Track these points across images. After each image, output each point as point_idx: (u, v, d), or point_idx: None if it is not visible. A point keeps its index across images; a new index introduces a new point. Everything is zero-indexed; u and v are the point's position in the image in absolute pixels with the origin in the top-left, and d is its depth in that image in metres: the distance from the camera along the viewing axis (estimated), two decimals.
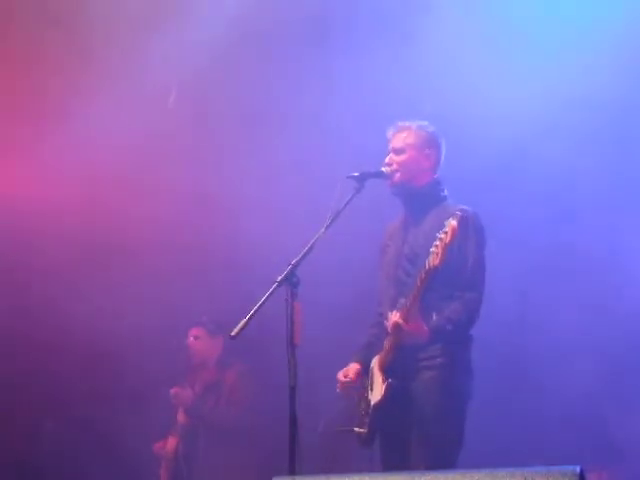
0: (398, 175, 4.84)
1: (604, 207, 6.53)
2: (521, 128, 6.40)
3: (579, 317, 6.46)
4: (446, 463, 4.49)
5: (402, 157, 4.85)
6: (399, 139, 4.88)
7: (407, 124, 4.90)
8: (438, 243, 4.37)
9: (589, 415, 6.51)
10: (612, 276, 6.54)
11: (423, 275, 4.46)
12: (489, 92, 6.41)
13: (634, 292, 6.41)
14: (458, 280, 4.65)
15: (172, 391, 6.90)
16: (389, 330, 4.64)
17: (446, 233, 4.36)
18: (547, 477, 3.24)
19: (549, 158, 6.44)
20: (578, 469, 3.24)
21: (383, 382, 4.65)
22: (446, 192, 4.89)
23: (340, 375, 4.92)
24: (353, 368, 4.90)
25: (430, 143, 4.90)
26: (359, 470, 4.10)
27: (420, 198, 4.85)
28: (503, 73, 6.42)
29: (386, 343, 4.69)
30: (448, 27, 6.44)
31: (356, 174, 4.73)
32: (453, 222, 4.37)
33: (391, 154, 4.88)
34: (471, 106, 6.45)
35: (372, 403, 4.71)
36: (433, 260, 4.38)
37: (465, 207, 4.64)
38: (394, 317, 4.57)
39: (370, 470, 4.66)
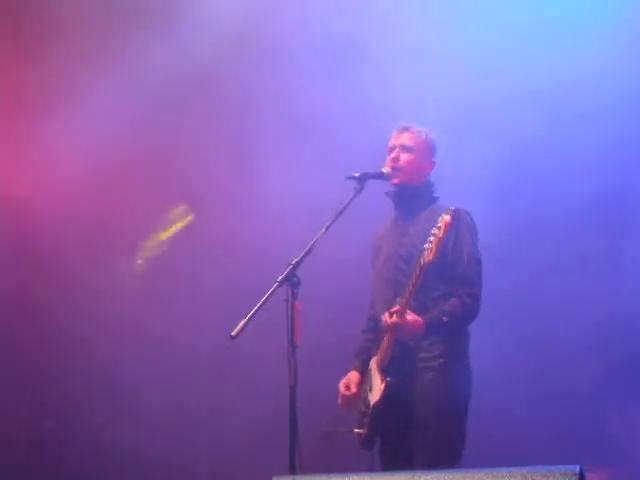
0: (402, 174, 4.82)
1: None
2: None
3: (579, 316, 6.48)
4: (447, 464, 4.47)
5: (410, 156, 4.83)
6: (409, 138, 4.86)
7: (416, 127, 4.91)
8: (432, 239, 4.44)
9: (589, 415, 6.51)
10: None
11: (418, 271, 4.49)
12: None
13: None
14: (454, 277, 4.67)
15: None
16: (386, 329, 4.62)
17: (439, 228, 4.44)
18: (547, 477, 3.24)
19: None
20: (578, 469, 3.24)
21: (382, 382, 4.64)
22: (437, 193, 4.90)
23: (342, 387, 4.89)
24: (354, 379, 4.88)
25: (434, 151, 4.92)
26: (359, 470, 4.10)
27: (414, 199, 4.85)
28: None
29: (383, 342, 4.68)
30: None
31: (356, 175, 4.72)
32: (446, 217, 4.45)
33: (398, 150, 4.85)
34: None
35: (371, 403, 4.70)
36: (427, 256, 4.44)
37: (458, 206, 4.66)
38: (387, 318, 4.57)
39: (370, 470, 4.66)
